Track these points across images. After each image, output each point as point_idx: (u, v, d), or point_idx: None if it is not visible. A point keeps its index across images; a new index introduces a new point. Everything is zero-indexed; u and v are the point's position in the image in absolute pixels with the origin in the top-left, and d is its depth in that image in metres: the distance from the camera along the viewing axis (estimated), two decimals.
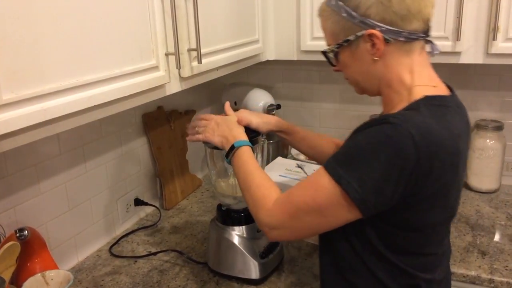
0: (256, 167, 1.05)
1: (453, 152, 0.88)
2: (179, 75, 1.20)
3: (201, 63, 1.21)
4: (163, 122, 1.74)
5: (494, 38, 1.44)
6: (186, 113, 1.86)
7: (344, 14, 0.92)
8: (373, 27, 0.90)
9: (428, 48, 0.98)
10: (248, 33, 1.55)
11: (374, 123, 0.87)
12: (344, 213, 0.87)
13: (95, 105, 0.94)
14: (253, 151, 1.11)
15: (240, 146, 1.09)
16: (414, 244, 0.94)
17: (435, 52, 0.98)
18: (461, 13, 1.43)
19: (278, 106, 1.83)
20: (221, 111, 2.05)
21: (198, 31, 1.17)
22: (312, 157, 1.33)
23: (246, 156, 1.08)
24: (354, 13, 0.91)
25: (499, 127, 1.74)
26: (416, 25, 0.91)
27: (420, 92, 0.92)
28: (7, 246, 0.99)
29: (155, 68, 1.10)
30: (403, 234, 0.92)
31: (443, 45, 1.46)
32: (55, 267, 1.21)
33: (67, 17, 0.85)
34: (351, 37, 0.93)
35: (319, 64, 2.03)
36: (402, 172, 0.82)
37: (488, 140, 1.75)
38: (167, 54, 1.14)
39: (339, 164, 0.86)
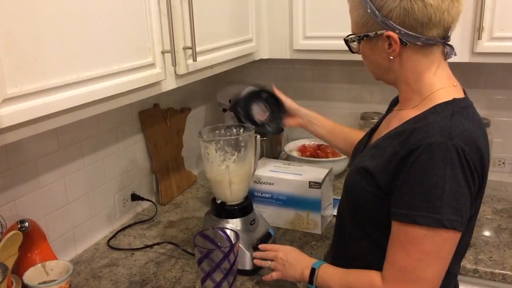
0: (342, 271, 1.06)
1: (488, 147, 0.95)
2: (175, 72, 1.24)
3: (196, 61, 1.25)
4: (159, 119, 1.77)
5: (479, 38, 1.49)
6: (182, 111, 1.90)
7: (369, 10, 0.94)
8: (393, 29, 0.92)
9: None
10: (242, 32, 1.59)
11: (417, 145, 0.88)
12: (454, 244, 0.91)
13: (94, 100, 0.97)
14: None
15: (319, 266, 1.09)
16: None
17: (451, 55, 0.99)
18: None
19: None
20: (216, 108, 2.10)
21: (193, 30, 1.21)
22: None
23: (329, 270, 1.08)
24: (377, 12, 0.93)
25: (486, 124, 1.77)
26: (436, 32, 0.93)
27: (445, 94, 0.95)
28: (10, 235, 1.02)
29: (151, 65, 1.14)
30: None
31: None
32: (54, 258, 1.23)
33: (68, 16, 0.89)
34: (371, 34, 0.96)
35: (312, 63, 2.07)
36: (474, 182, 0.90)
37: None
38: (163, 52, 1.17)
39: (426, 210, 0.88)
